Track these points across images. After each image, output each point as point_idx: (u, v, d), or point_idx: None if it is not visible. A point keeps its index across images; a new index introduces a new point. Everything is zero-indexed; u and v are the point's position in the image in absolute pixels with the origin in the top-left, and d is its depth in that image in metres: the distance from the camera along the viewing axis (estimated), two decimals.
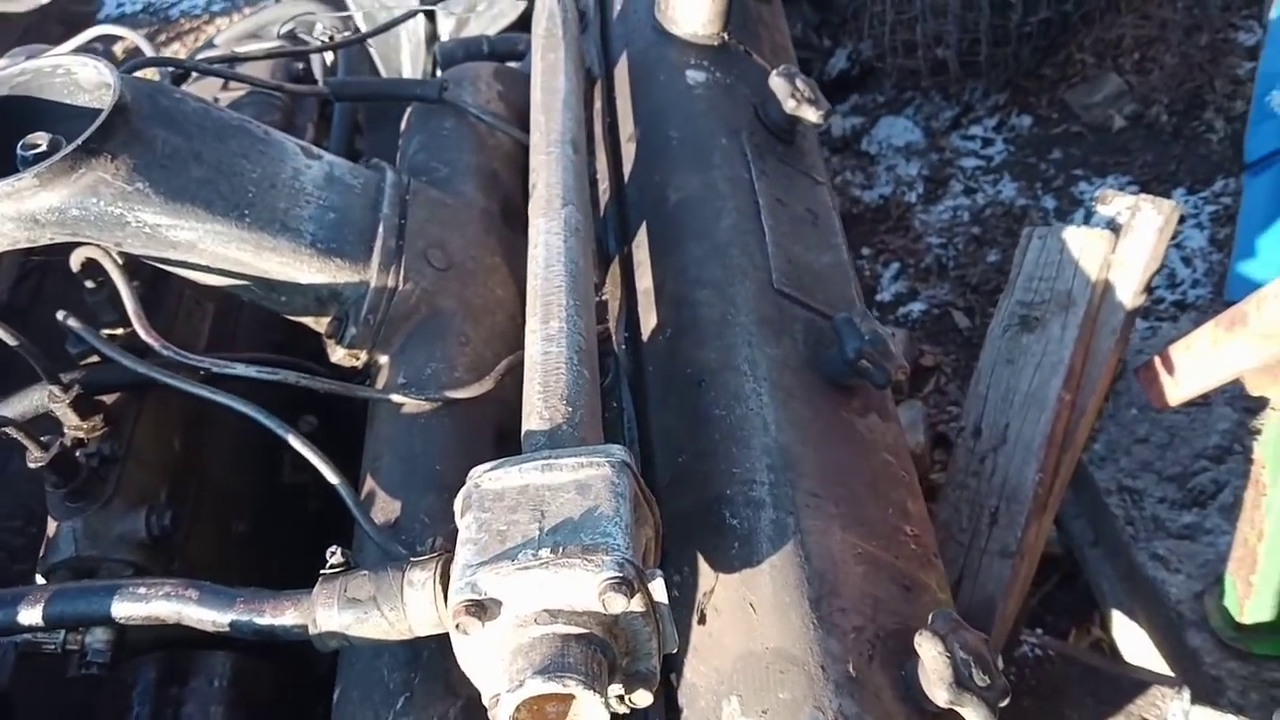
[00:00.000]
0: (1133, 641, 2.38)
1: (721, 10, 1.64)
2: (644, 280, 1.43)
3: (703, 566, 1.10)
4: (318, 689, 1.25)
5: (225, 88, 1.95)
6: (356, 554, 1.21)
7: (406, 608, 0.96)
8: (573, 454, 0.94)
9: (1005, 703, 0.96)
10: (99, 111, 1.16)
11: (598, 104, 1.72)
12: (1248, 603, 1.98)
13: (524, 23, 2.24)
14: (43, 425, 1.33)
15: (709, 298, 1.33)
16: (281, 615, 1.01)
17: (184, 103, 1.29)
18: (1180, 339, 1.73)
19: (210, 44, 2.37)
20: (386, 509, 1.21)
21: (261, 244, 1.28)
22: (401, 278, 1.35)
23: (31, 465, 1.26)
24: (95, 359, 1.40)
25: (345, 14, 2.38)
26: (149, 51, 1.71)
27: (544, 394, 1.04)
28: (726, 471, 1.16)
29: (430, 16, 2.70)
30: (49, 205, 1.14)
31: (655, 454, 1.26)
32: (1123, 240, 1.79)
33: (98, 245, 1.27)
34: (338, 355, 1.36)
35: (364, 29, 2.40)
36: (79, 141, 1.13)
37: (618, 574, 0.83)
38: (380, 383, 1.36)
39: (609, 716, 0.85)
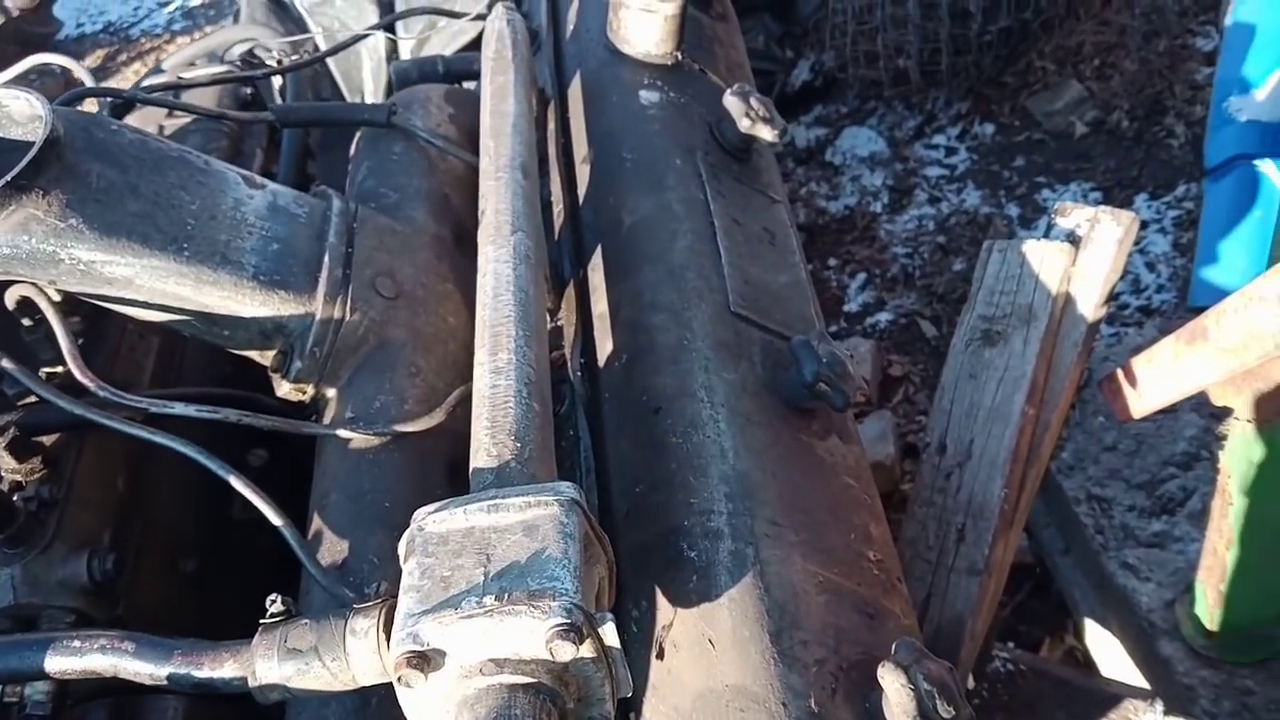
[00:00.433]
0: (1107, 650, 2.37)
1: (674, 29, 1.62)
2: (599, 305, 1.41)
3: (661, 601, 1.07)
4: None
5: (170, 115, 1.91)
6: (304, 596, 1.17)
7: (350, 658, 0.93)
8: (520, 493, 0.91)
9: None
10: (31, 145, 1.12)
11: (551, 125, 1.70)
12: (1218, 611, 1.97)
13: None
14: None
15: (665, 322, 1.31)
16: (220, 667, 0.97)
17: (120, 134, 1.25)
18: (1143, 351, 1.72)
19: (158, 69, 2.32)
20: (334, 549, 1.17)
21: (201, 278, 1.24)
22: (349, 308, 1.32)
23: None
24: (33, 399, 1.35)
25: (294, 38, 2.34)
26: (88, 81, 1.67)
27: (491, 430, 1.01)
28: (684, 502, 1.13)
29: (390, 32, 2.67)
30: None
31: (612, 484, 1.23)
32: (1082, 252, 1.79)
33: (31, 283, 1.23)
34: (283, 390, 1.32)
35: (324, 49, 2.36)
36: (9, 177, 1.10)
37: (565, 620, 0.81)
38: (328, 417, 1.33)
39: None
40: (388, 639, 0.92)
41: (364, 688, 0.97)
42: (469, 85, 1.98)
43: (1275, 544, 1.83)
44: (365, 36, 2.13)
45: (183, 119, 1.91)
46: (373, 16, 2.76)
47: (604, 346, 1.36)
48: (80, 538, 1.31)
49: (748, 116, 1.52)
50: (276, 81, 2.36)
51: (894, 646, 0.98)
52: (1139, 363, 1.73)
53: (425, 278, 1.44)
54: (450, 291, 1.46)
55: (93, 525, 1.34)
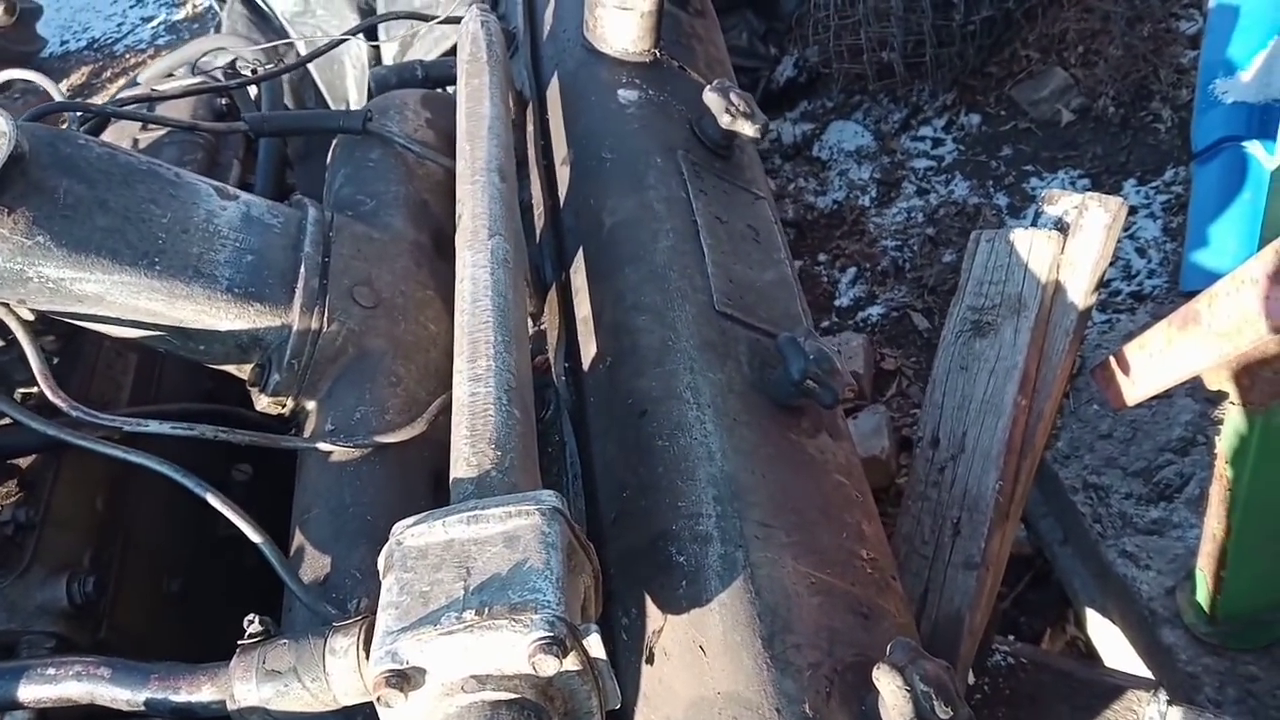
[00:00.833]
0: (1108, 639, 2.35)
1: (651, 26, 1.60)
2: (582, 308, 1.38)
3: (650, 607, 1.05)
4: None
5: (145, 129, 1.88)
6: (287, 614, 1.15)
7: (330, 677, 0.90)
8: (500, 503, 0.89)
9: None
10: None
11: (530, 127, 1.67)
12: (1219, 597, 1.95)
13: None
14: None
15: (648, 324, 1.29)
16: (198, 691, 0.95)
17: (87, 149, 1.23)
18: (1135, 337, 1.70)
19: (134, 83, 2.30)
20: (316, 565, 1.15)
21: (174, 292, 1.22)
22: (326, 318, 1.30)
23: None
24: (6, 421, 1.33)
25: (268, 44, 2.32)
26: (57, 97, 1.64)
27: (471, 439, 0.98)
28: (671, 506, 1.11)
29: (372, 38, 2.65)
30: None
31: (599, 489, 1.21)
32: (1071, 240, 1.76)
33: (1, 303, 1.21)
34: (262, 403, 1.30)
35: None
36: None
37: (548, 634, 0.78)
38: (308, 430, 1.30)
39: None
40: (368, 657, 0.90)
41: (346, 708, 0.95)
42: (451, 90, 1.95)
43: (1274, 528, 1.81)
44: (342, 42, 2.10)
45: (157, 132, 1.88)
46: (353, 24, 2.74)
47: (588, 350, 1.33)
48: (59, 560, 1.28)
49: (728, 112, 1.50)
50: (254, 91, 2.34)
51: (889, 647, 0.96)
52: (1131, 349, 1.71)
53: (404, 285, 1.41)
54: (430, 298, 1.43)
55: (72, 547, 1.32)
